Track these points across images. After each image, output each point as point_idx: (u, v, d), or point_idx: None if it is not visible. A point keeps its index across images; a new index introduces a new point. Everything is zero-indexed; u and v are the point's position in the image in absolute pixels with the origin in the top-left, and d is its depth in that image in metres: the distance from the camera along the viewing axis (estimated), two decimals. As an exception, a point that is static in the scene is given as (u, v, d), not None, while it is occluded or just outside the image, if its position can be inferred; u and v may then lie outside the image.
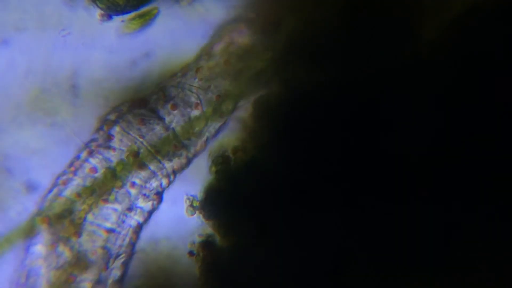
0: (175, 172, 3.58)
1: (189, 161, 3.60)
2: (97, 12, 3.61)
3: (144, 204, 3.52)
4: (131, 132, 3.49)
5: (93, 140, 3.52)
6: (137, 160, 3.47)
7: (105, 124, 3.53)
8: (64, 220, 3.41)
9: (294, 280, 3.50)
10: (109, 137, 3.50)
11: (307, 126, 3.54)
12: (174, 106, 3.54)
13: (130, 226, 3.50)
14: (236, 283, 3.53)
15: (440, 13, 3.58)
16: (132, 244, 3.53)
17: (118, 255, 3.49)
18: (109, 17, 3.62)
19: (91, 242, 3.42)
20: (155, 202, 3.54)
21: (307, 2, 3.62)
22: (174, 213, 3.60)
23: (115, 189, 3.46)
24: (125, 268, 3.53)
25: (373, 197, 3.49)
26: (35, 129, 3.60)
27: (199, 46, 3.64)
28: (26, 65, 3.60)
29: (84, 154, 3.49)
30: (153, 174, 3.52)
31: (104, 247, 3.44)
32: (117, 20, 3.63)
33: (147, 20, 3.64)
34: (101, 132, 3.52)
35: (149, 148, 3.49)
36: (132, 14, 3.64)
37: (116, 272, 3.51)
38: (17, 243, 3.46)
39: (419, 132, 3.49)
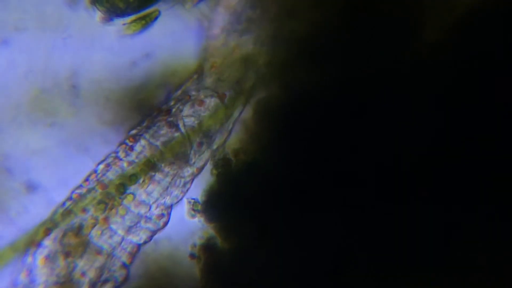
0: (194, 178, 3.55)
1: (212, 154, 3.58)
2: (98, 15, 3.60)
3: (148, 225, 3.49)
4: (154, 143, 3.48)
5: (113, 153, 3.50)
6: (151, 172, 3.46)
7: (129, 138, 3.51)
8: (71, 236, 3.39)
9: (295, 280, 3.51)
10: (131, 150, 3.48)
11: (307, 126, 3.54)
12: (202, 102, 3.53)
13: (126, 250, 3.47)
14: (237, 285, 3.53)
15: (440, 14, 3.59)
16: (126, 267, 3.49)
17: (106, 281, 3.45)
18: (110, 19, 3.61)
19: (88, 264, 3.40)
20: (160, 223, 3.52)
21: (307, 2, 3.62)
22: (175, 216, 3.59)
23: (125, 203, 3.44)
24: None
25: (373, 197, 3.49)
26: (35, 129, 3.60)
27: (201, 46, 3.63)
28: (26, 65, 3.60)
29: (101, 168, 3.47)
30: (167, 188, 3.49)
31: (97, 269, 3.41)
32: (118, 22, 3.63)
33: (147, 22, 3.64)
34: (123, 146, 3.50)
35: (168, 156, 3.47)
36: (133, 17, 3.63)
37: None
38: (19, 254, 3.45)
39: (419, 132, 3.50)
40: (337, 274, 3.52)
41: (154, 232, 3.50)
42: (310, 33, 3.58)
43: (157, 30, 3.65)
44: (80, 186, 3.46)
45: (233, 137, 3.65)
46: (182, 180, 3.51)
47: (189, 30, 3.66)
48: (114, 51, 3.64)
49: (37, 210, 3.50)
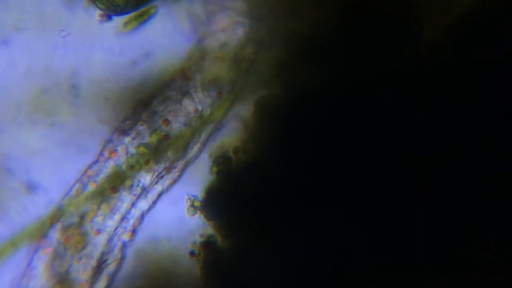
0: (209, 137, 3.55)
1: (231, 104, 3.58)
2: (97, 13, 3.61)
3: (155, 187, 3.49)
4: (171, 108, 3.48)
5: (126, 121, 3.50)
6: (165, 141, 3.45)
7: (144, 104, 3.51)
8: (72, 230, 3.38)
9: (295, 280, 3.51)
10: (152, 114, 3.47)
11: (308, 126, 3.54)
12: (220, 59, 3.52)
13: (129, 223, 3.46)
14: (237, 284, 3.54)
15: (440, 14, 3.59)
16: (123, 249, 3.48)
17: (103, 262, 3.44)
18: (109, 17, 3.62)
19: (89, 254, 3.39)
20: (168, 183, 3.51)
21: (307, 2, 3.62)
22: (175, 214, 3.60)
23: (129, 179, 3.42)
24: (111, 279, 3.49)
25: (373, 197, 3.50)
26: (35, 129, 3.60)
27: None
28: (26, 65, 3.60)
29: (115, 136, 3.47)
30: (183, 149, 3.49)
31: (96, 259, 3.41)
32: (117, 20, 3.63)
33: (145, 19, 3.64)
34: (137, 111, 3.50)
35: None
36: (131, 14, 3.63)
37: (101, 284, 3.47)
38: (24, 245, 3.45)
39: (419, 132, 3.50)
40: (337, 274, 3.52)
41: (160, 195, 3.52)
42: (310, 33, 3.58)
43: (156, 29, 3.65)
44: (96, 162, 3.45)
45: (233, 136, 3.65)
46: (199, 139, 3.52)
47: (189, 29, 3.66)
48: (114, 50, 3.64)
49: (37, 210, 3.50)
